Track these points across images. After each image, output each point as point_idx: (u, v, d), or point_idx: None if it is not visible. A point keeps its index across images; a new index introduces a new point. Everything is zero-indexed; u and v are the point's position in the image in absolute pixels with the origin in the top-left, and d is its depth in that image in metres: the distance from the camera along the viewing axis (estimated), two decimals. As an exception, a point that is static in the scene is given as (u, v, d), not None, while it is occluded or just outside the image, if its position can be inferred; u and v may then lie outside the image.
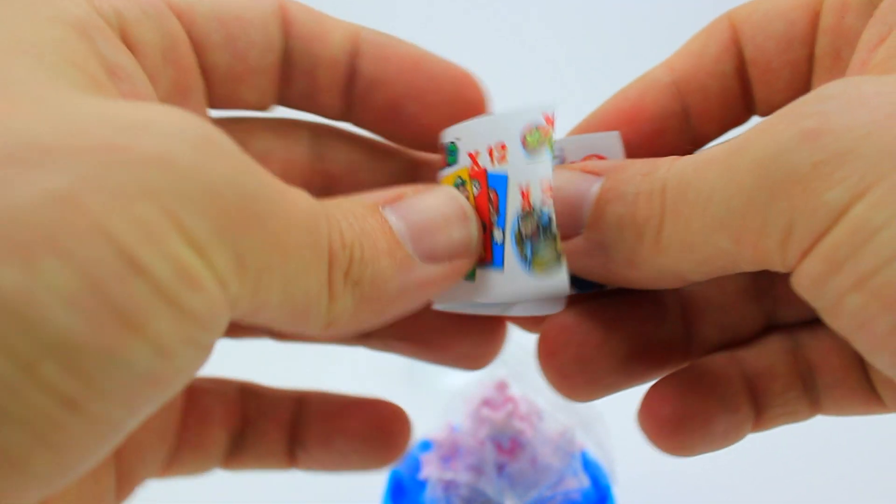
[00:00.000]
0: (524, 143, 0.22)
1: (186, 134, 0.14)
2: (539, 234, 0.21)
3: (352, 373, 0.53)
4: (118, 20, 0.19)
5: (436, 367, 0.26)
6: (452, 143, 0.23)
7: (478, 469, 0.43)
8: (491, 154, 0.22)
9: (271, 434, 0.25)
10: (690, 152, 0.23)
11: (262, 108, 0.23)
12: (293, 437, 0.25)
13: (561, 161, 0.24)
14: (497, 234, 0.22)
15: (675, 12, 0.82)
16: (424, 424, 0.47)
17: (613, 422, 0.47)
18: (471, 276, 0.22)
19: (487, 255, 0.22)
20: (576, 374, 0.23)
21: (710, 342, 0.24)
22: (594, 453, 0.47)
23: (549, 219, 0.21)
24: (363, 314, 0.18)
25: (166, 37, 0.20)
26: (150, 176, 0.13)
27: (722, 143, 0.20)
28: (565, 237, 0.21)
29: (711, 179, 0.18)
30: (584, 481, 0.44)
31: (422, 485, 0.45)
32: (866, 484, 0.51)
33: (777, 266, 0.17)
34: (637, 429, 0.23)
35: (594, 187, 0.21)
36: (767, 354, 0.23)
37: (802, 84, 0.22)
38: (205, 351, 0.15)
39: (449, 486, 0.44)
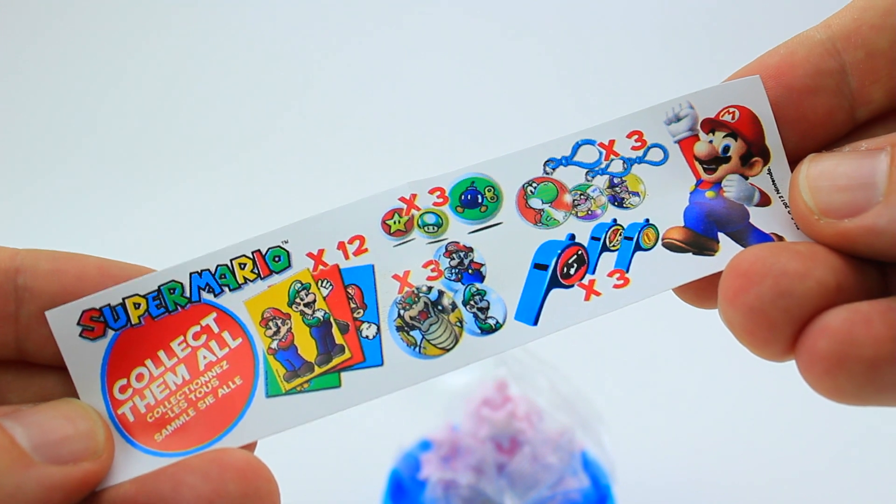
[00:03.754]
0: (386, 228, 0.21)
1: None
2: (429, 313, 0.21)
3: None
4: None
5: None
6: (278, 247, 0.21)
7: (478, 469, 0.43)
8: (343, 248, 0.21)
9: None
10: (850, 116, 0.22)
11: None
12: None
13: (692, 120, 0.22)
14: (368, 330, 0.21)
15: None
16: (424, 424, 0.47)
17: (613, 422, 0.47)
18: (334, 382, 0.21)
19: (357, 356, 0.21)
20: (776, 310, 0.19)
21: None
22: (594, 453, 0.47)
23: (440, 293, 0.21)
24: None
25: None
26: None
27: None
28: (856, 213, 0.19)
29: None
30: (584, 481, 0.44)
31: (422, 485, 0.45)
32: (867, 485, 0.51)
33: None
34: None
35: (881, 163, 0.19)
36: None
37: None
38: None
39: (449, 486, 0.44)
